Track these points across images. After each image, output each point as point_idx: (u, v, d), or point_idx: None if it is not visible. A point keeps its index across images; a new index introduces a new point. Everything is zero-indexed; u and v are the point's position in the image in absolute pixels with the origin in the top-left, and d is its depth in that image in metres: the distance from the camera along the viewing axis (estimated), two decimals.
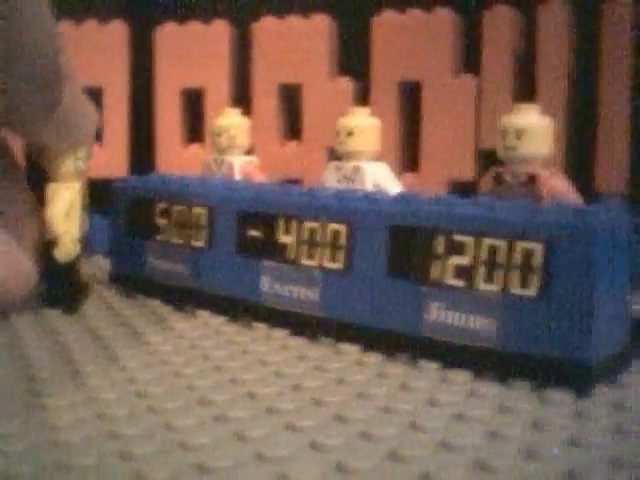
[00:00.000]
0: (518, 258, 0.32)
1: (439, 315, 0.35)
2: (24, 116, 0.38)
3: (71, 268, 0.46)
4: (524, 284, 0.32)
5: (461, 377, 0.33)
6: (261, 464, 0.26)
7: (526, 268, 0.32)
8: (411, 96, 0.63)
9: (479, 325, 0.33)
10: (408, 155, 0.64)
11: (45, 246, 0.44)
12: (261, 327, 0.41)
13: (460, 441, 0.27)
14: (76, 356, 0.36)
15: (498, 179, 0.37)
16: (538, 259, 0.32)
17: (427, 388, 0.32)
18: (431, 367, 0.34)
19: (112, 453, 0.26)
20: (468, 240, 0.34)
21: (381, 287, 0.36)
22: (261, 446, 0.26)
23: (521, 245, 0.32)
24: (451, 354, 0.34)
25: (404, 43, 0.62)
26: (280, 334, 0.39)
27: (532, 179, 0.36)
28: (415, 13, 0.63)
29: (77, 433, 0.28)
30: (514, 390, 0.32)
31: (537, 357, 0.32)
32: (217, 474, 0.25)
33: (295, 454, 0.26)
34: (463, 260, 0.34)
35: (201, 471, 0.25)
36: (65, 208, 0.44)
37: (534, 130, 0.36)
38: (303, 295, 0.39)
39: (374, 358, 0.36)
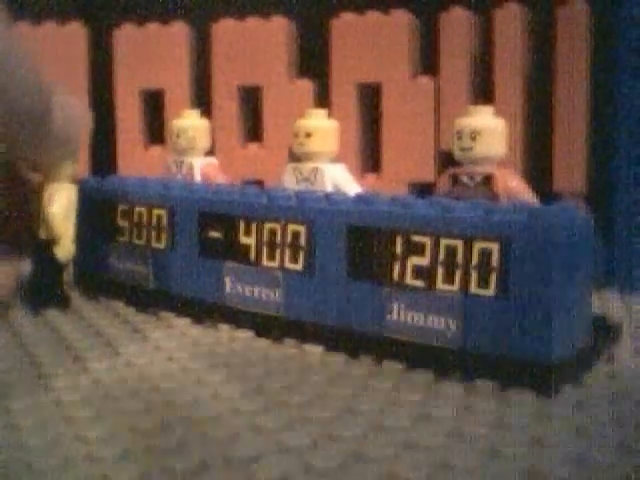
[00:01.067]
0: (476, 258, 0.32)
1: (401, 316, 0.35)
2: (23, 149, 0.40)
3: (63, 266, 0.47)
4: (482, 284, 0.32)
5: (424, 377, 0.33)
6: (226, 465, 0.26)
7: (484, 268, 0.32)
8: (371, 98, 0.64)
9: (440, 325, 0.34)
10: (369, 156, 0.64)
11: (44, 245, 0.45)
12: (225, 328, 0.41)
13: (424, 441, 0.27)
14: (42, 359, 0.36)
15: (455, 180, 0.37)
16: (495, 259, 0.32)
17: (390, 388, 0.32)
18: (394, 367, 0.34)
19: (77, 455, 0.26)
20: (426, 240, 0.34)
21: (342, 288, 0.36)
22: (226, 447, 0.26)
23: (478, 245, 0.32)
24: (414, 354, 0.34)
25: (363, 45, 0.63)
26: (244, 335, 0.39)
27: (488, 179, 0.36)
28: (373, 15, 0.63)
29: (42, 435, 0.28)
30: (477, 390, 0.32)
31: (498, 357, 0.32)
32: (183, 476, 0.25)
33: (260, 455, 0.26)
34: (422, 261, 0.34)
35: (167, 473, 0.25)
36: (65, 208, 0.46)
37: (489, 131, 0.36)
38: (265, 296, 0.39)
39: (337, 358, 0.36)
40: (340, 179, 0.45)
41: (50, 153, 0.42)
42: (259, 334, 0.39)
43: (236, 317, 0.40)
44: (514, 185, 0.37)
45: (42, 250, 0.46)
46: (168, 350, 0.37)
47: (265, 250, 0.39)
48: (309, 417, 0.29)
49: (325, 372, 0.34)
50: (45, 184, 0.46)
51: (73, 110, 0.43)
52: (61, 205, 0.46)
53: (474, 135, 0.36)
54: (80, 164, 0.49)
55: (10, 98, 0.35)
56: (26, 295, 0.47)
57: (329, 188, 0.44)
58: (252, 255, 0.40)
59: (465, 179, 0.37)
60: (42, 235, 0.46)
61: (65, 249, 0.46)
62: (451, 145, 0.38)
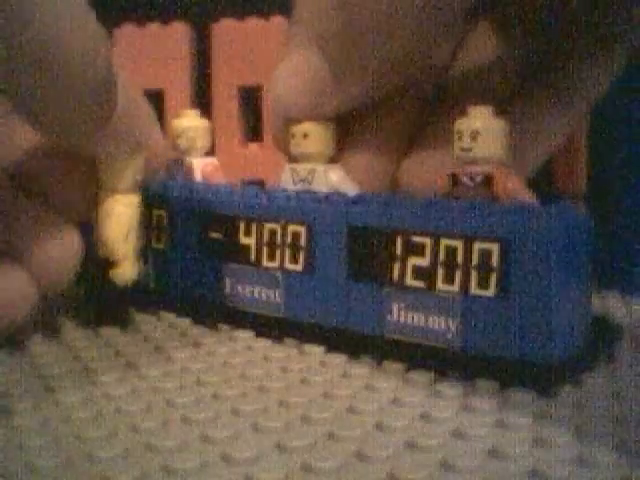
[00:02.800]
0: (476, 258, 0.32)
1: (401, 316, 0.35)
2: (78, 130, 0.34)
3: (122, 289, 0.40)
4: (482, 285, 0.32)
5: (425, 377, 0.33)
6: (227, 465, 0.26)
7: (484, 268, 0.32)
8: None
9: (440, 326, 0.34)
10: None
11: (99, 266, 0.40)
12: (226, 329, 0.41)
13: (425, 441, 0.27)
14: (47, 371, 0.36)
15: (454, 180, 0.37)
16: (495, 259, 0.32)
17: (391, 388, 0.32)
18: (395, 368, 0.34)
19: (76, 455, 0.26)
20: (426, 241, 0.34)
21: (342, 288, 0.36)
22: (227, 447, 0.26)
23: (478, 245, 0.32)
24: (414, 355, 0.34)
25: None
26: (245, 335, 0.39)
27: (488, 180, 0.36)
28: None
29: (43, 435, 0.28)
30: (478, 390, 0.32)
31: (499, 358, 0.32)
32: (183, 476, 0.25)
33: (261, 455, 0.26)
34: (422, 261, 0.34)
35: (167, 473, 0.25)
36: (125, 228, 0.39)
37: (489, 132, 0.36)
38: (266, 296, 0.39)
39: (338, 359, 0.36)
40: (337, 180, 0.45)
41: (112, 146, 0.36)
42: (260, 334, 0.39)
43: (237, 317, 0.40)
44: (513, 186, 0.37)
45: (100, 271, 0.40)
46: (168, 350, 0.37)
47: (265, 251, 0.39)
48: (310, 417, 0.29)
49: (325, 372, 0.34)
50: (102, 195, 0.39)
51: (140, 106, 0.38)
52: (120, 223, 0.39)
53: (474, 135, 0.36)
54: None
55: (64, 58, 0.30)
56: (85, 315, 0.43)
57: (326, 189, 0.44)
58: (252, 256, 0.40)
59: (465, 179, 0.37)
60: (102, 253, 0.39)
61: (125, 274, 0.39)
62: (453, 145, 0.38)
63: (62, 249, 0.37)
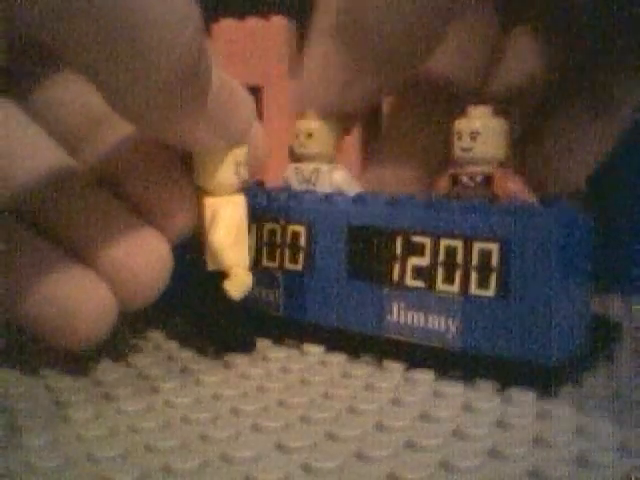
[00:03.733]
0: (475, 258, 0.32)
1: (401, 316, 0.35)
2: (167, 115, 0.30)
3: (239, 302, 0.35)
4: (482, 285, 0.32)
5: (425, 377, 0.33)
6: (227, 465, 0.26)
7: (483, 268, 0.32)
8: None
9: (440, 326, 0.34)
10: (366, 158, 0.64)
11: (213, 279, 0.35)
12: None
13: (425, 441, 0.27)
14: (47, 370, 0.36)
15: (454, 180, 0.37)
16: (495, 259, 0.32)
17: (391, 388, 0.32)
18: (395, 367, 0.34)
19: (76, 456, 0.26)
20: (426, 241, 0.34)
21: (343, 288, 0.36)
22: (227, 447, 0.26)
23: (478, 245, 0.32)
24: (414, 355, 0.34)
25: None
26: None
27: (488, 180, 0.36)
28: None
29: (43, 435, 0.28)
30: (478, 390, 0.32)
31: (498, 358, 0.32)
32: (183, 476, 0.25)
33: (261, 455, 0.26)
34: (422, 261, 0.34)
35: (167, 473, 0.25)
36: (232, 230, 0.35)
37: (488, 132, 0.36)
38: (265, 296, 0.39)
39: (338, 359, 0.36)
40: (341, 180, 0.45)
41: (207, 133, 0.32)
42: (259, 334, 0.39)
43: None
44: (514, 186, 0.37)
45: (212, 285, 0.35)
46: (167, 349, 0.37)
47: (265, 250, 0.39)
48: (310, 417, 0.29)
49: (325, 372, 0.34)
50: (202, 198, 0.35)
51: (239, 93, 0.33)
52: (228, 226, 0.34)
53: (474, 135, 0.36)
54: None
55: (144, 32, 0.26)
56: (204, 337, 0.38)
57: (330, 189, 0.44)
58: (252, 256, 0.40)
59: (465, 179, 0.37)
60: (209, 265, 0.35)
61: (239, 283, 0.34)
62: (453, 145, 0.38)
63: (148, 259, 0.33)
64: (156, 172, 0.34)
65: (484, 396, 0.31)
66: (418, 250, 0.34)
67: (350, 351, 0.36)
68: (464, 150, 0.36)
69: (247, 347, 0.37)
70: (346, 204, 0.37)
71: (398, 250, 0.35)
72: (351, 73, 0.39)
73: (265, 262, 0.39)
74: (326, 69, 0.40)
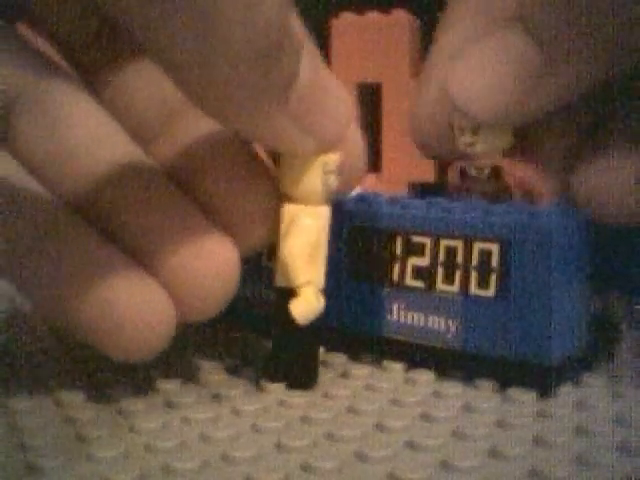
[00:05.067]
0: (475, 259, 0.32)
1: (401, 316, 0.35)
2: (244, 101, 0.26)
3: (305, 328, 0.32)
4: (482, 285, 0.32)
5: (425, 377, 0.33)
6: (227, 465, 0.26)
7: (483, 269, 0.32)
8: (371, 98, 0.64)
9: (440, 326, 0.34)
10: (369, 156, 0.64)
11: (282, 296, 0.32)
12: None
13: (424, 441, 0.27)
14: (47, 370, 0.35)
15: (463, 174, 0.37)
16: (495, 259, 0.32)
17: (391, 388, 0.32)
18: (395, 368, 0.34)
19: (76, 456, 0.26)
20: (426, 241, 0.34)
21: (343, 288, 0.36)
22: (227, 447, 0.26)
23: (478, 246, 0.32)
24: (414, 355, 0.34)
25: (363, 45, 0.63)
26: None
27: (496, 170, 0.36)
28: (373, 15, 0.63)
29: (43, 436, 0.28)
30: (478, 390, 0.32)
31: (499, 358, 0.32)
32: (183, 476, 0.25)
33: (261, 455, 0.26)
34: (422, 261, 0.34)
35: (167, 473, 0.25)
36: (308, 244, 0.31)
37: (489, 125, 0.36)
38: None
39: (338, 359, 0.36)
40: None
41: (290, 130, 0.28)
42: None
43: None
44: (523, 174, 0.37)
45: (280, 303, 0.32)
46: (168, 350, 0.37)
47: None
48: (310, 417, 0.29)
49: (325, 372, 0.34)
50: (282, 205, 0.31)
51: (335, 88, 0.30)
52: (303, 239, 0.31)
53: (475, 130, 0.36)
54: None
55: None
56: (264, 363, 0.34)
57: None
58: None
59: (474, 172, 0.37)
60: (279, 281, 0.32)
61: (307, 307, 0.31)
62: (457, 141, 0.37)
63: (213, 267, 0.30)
64: (236, 174, 0.31)
65: (484, 396, 0.31)
66: (418, 250, 0.34)
67: (350, 351, 0.36)
68: (467, 145, 0.36)
69: (306, 382, 0.33)
70: (346, 204, 0.37)
71: (398, 250, 0.35)
72: (545, 68, 0.32)
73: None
74: (507, 63, 0.33)
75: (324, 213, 0.32)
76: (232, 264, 0.30)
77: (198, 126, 0.33)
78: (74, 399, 0.31)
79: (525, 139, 0.36)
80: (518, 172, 0.36)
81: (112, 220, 0.31)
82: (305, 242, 0.31)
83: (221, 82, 0.26)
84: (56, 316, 0.30)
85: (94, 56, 0.35)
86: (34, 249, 0.30)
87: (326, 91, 0.29)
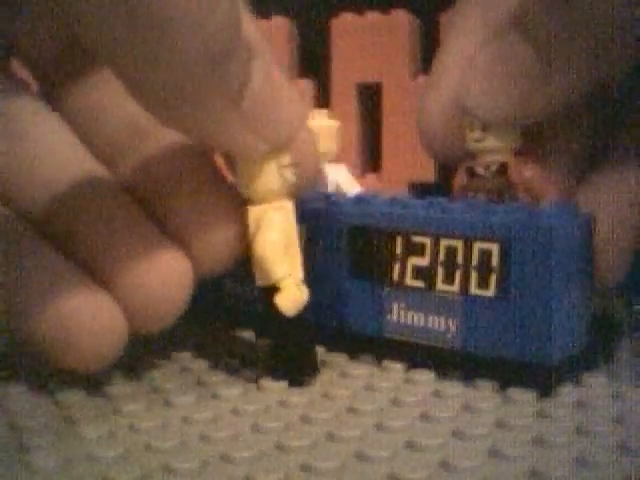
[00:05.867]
0: (475, 258, 0.32)
1: (401, 316, 0.35)
2: (191, 110, 0.28)
3: (297, 322, 0.32)
4: (482, 285, 0.32)
5: (425, 377, 0.33)
6: (227, 465, 0.26)
7: (484, 268, 0.32)
8: (371, 98, 0.64)
9: (440, 326, 0.34)
10: (369, 156, 0.64)
11: (265, 295, 0.32)
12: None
13: (424, 441, 0.27)
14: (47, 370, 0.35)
15: (471, 173, 0.37)
16: (495, 259, 0.32)
17: (391, 388, 0.32)
18: (395, 367, 0.34)
19: (76, 456, 0.26)
20: (426, 241, 0.34)
21: (343, 288, 0.36)
22: (227, 447, 0.26)
23: (478, 245, 0.32)
24: (414, 355, 0.34)
25: (363, 45, 0.63)
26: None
27: (503, 168, 0.36)
28: (373, 15, 0.63)
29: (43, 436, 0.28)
30: (478, 390, 0.32)
31: (499, 358, 0.32)
32: (183, 476, 0.25)
33: (261, 455, 0.26)
34: (422, 261, 0.34)
35: (167, 473, 0.25)
36: (280, 239, 0.32)
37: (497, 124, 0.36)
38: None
39: (338, 359, 0.36)
40: (341, 179, 0.45)
41: (244, 133, 0.29)
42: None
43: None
44: (530, 173, 0.37)
45: (267, 302, 0.32)
46: (168, 350, 0.37)
47: None
48: (310, 417, 0.29)
49: (326, 372, 0.34)
50: (248, 205, 0.32)
51: (286, 91, 0.30)
52: (275, 234, 0.31)
53: (485, 127, 0.36)
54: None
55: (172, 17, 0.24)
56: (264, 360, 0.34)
57: (330, 188, 0.44)
58: None
59: (480, 170, 0.37)
60: (260, 281, 0.32)
61: (291, 298, 0.32)
62: (466, 138, 0.37)
63: (164, 281, 0.31)
64: (196, 193, 0.32)
65: (484, 396, 0.31)
66: (418, 250, 0.34)
67: (350, 351, 0.36)
68: (476, 141, 0.36)
69: (304, 378, 0.33)
70: (346, 204, 0.37)
71: (398, 250, 0.35)
72: (544, 73, 0.34)
73: None
74: (499, 70, 0.34)
75: (288, 207, 0.32)
76: (184, 277, 0.31)
77: (164, 145, 0.33)
78: (74, 399, 0.31)
79: (534, 140, 0.37)
80: (526, 172, 0.36)
81: (68, 235, 0.32)
82: (275, 238, 0.31)
83: (173, 86, 0.26)
84: (12, 328, 0.31)
85: (62, 73, 0.35)
86: None
87: (278, 95, 0.30)
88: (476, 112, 0.35)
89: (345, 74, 0.63)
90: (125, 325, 0.30)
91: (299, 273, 0.32)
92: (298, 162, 0.32)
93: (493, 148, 0.35)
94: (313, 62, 0.65)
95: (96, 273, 0.31)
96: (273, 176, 0.31)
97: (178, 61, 0.25)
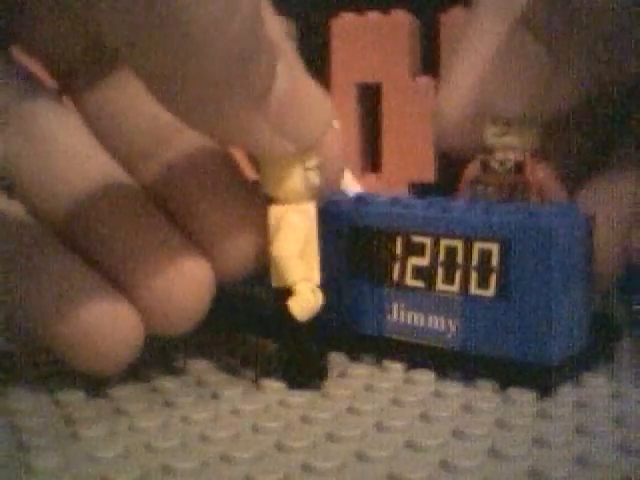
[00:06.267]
0: (476, 258, 0.32)
1: (401, 316, 0.35)
2: (216, 112, 0.27)
3: (310, 327, 0.32)
4: (482, 285, 0.32)
5: (425, 377, 0.33)
6: (227, 465, 0.26)
7: (484, 268, 0.32)
8: (371, 98, 0.64)
9: (440, 326, 0.34)
10: (369, 156, 0.64)
11: (279, 297, 0.32)
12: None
13: (424, 441, 0.27)
14: (46, 369, 0.36)
15: (485, 166, 0.37)
16: (495, 259, 0.32)
17: (391, 388, 0.32)
18: (395, 368, 0.34)
19: (77, 456, 0.26)
20: (426, 241, 0.34)
21: (344, 288, 0.36)
22: (227, 447, 0.26)
23: (478, 245, 0.32)
24: (414, 355, 0.34)
25: (363, 45, 0.63)
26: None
27: (519, 167, 0.36)
28: (373, 15, 0.63)
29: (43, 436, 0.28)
30: (478, 390, 0.32)
31: (498, 358, 0.32)
32: (183, 476, 0.25)
33: (261, 455, 0.26)
34: (422, 261, 0.34)
35: (167, 473, 0.25)
36: (298, 241, 0.31)
37: (524, 120, 0.36)
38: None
39: (339, 359, 0.36)
40: (344, 181, 0.45)
41: (269, 135, 0.29)
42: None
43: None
44: (544, 175, 0.37)
45: (280, 303, 0.31)
46: (167, 349, 0.37)
47: None
48: (310, 418, 0.29)
49: None
50: (270, 206, 0.32)
51: (312, 92, 0.30)
52: (294, 236, 0.31)
53: (509, 122, 0.36)
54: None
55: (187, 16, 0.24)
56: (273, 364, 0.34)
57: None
58: None
59: (495, 165, 0.37)
60: (275, 282, 0.32)
61: (304, 303, 0.31)
62: (484, 130, 0.37)
63: (185, 288, 0.31)
64: (219, 198, 0.32)
65: (484, 396, 0.31)
66: (418, 250, 0.34)
67: (350, 351, 0.36)
68: (497, 135, 0.36)
69: (312, 382, 0.33)
70: (347, 204, 0.37)
71: (398, 250, 0.35)
72: (556, 72, 0.34)
73: None
74: (521, 68, 0.34)
75: (310, 210, 0.32)
76: (205, 284, 0.31)
77: (187, 148, 0.33)
78: (74, 399, 0.31)
79: (549, 142, 0.37)
80: (540, 172, 0.36)
81: (89, 239, 0.32)
82: (294, 240, 0.31)
83: (196, 87, 0.26)
84: (32, 332, 0.31)
85: (83, 73, 0.35)
86: (12, 269, 0.31)
87: (304, 96, 0.29)
88: (493, 112, 0.36)
89: (345, 74, 0.63)
90: (142, 330, 0.31)
91: (316, 278, 0.32)
92: (322, 165, 0.32)
93: (512, 145, 0.35)
94: (313, 62, 0.65)
95: (117, 277, 0.31)
96: (298, 177, 0.31)
97: (200, 62, 0.25)
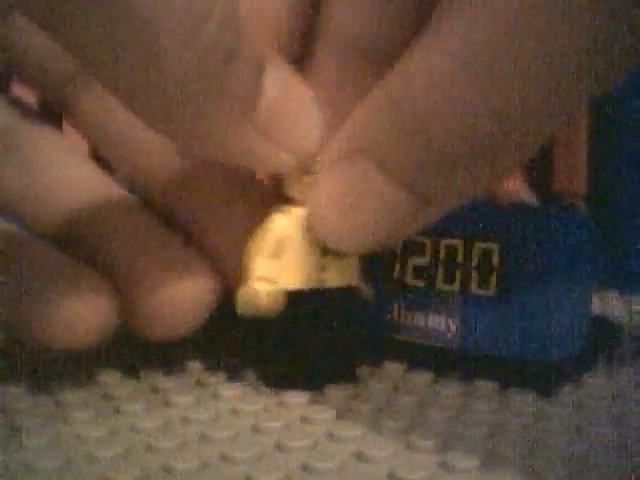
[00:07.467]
0: (476, 258, 0.32)
1: (401, 316, 0.35)
2: (196, 125, 0.26)
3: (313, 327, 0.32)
4: (482, 284, 0.32)
5: (424, 377, 0.33)
6: (227, 465, 0.26)
7: (484, 268, 0.32)
8: None
9: (440, 325, 0.34)
10: None
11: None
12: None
13: (424, 441, 0.27)
14: (46, 369, 0.36)
15: None
16: (495, 259, 0.32)
17: (391, 388, 0.32)
18: (394, 367, 0.34)
19: (76, 456, 0.26)
20: (426, 241, 0.34)
21: None
22: (227, 447, 0.26)
23: (478, 245, 0.32)
24: (414, 354, 0.34)
25: None
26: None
27: None
28: None
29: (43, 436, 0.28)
30: (477, 390, 0.32)
31: (498, 357, 0.32)
32: (183, 476, 0.25)
33: (261, 455, 0.26)
34: (422, 261, 0.34)
35: (167, 473, 0.25)
36: (271, 242, 0.30)
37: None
38: None
39: None
40: None
41: (260, 145, 0.27)
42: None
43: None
44: (511, 183, 0.37)
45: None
46: (167, 350, 0.37)
47: None
48: (310, 418, 0.29)
49: None
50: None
51: (301, 97, 0.28)
52: (267, 238, 0.30)
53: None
54: None
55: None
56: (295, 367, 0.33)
57: None
58: None
59: None
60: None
61: (247, 299, 0.30)
62: None
63: (185, 294, 0.31)
64: (225, 207, 0.32)
65: (483, 396, 0.31)
66: (418, 249, 0.34)
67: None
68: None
69: (343, 376, 0.32)
70: None
71: (398, 250, 0.35)
72: (414, 209, 0.28)
73: None
74: (356, 203, 0.28)
75: (298, 214, 0.30)
76: (206, 294, 0.31)
77: (189, 159, 0.33)
78: (73, 399, 0.31)
79: None
80: (507, 181, 0.36)
81: (89, 253, 0.32)
82: (269, 238, 0.30)
83: (169, 102, 0.25)
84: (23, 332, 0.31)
85: (82, 85, 0.35)
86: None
87: (297, 103, 0.28)
88: (329, 243, 0.31)
89: None
90: (113, 312, 0.30)
91: (285, 282, 0.30)
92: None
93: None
94: None
95: (116, 280, 0.31)
96: (292, 183, 0.30)
97: (171, 75, 0.24)
